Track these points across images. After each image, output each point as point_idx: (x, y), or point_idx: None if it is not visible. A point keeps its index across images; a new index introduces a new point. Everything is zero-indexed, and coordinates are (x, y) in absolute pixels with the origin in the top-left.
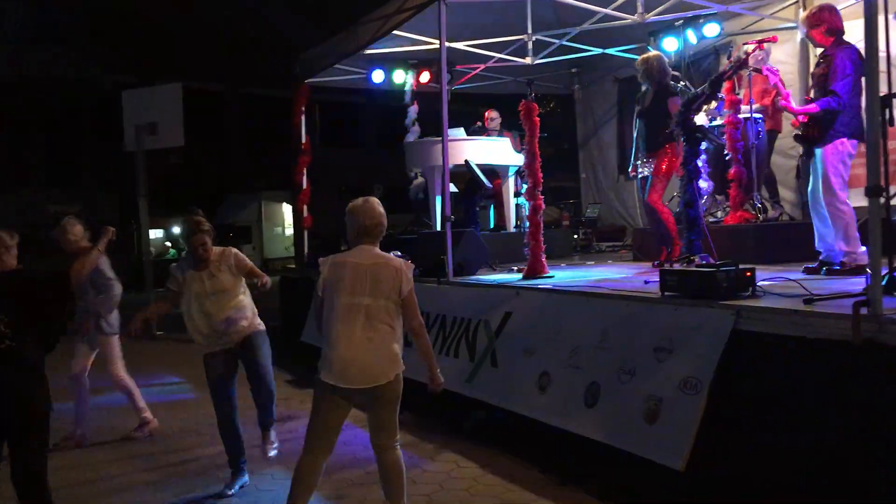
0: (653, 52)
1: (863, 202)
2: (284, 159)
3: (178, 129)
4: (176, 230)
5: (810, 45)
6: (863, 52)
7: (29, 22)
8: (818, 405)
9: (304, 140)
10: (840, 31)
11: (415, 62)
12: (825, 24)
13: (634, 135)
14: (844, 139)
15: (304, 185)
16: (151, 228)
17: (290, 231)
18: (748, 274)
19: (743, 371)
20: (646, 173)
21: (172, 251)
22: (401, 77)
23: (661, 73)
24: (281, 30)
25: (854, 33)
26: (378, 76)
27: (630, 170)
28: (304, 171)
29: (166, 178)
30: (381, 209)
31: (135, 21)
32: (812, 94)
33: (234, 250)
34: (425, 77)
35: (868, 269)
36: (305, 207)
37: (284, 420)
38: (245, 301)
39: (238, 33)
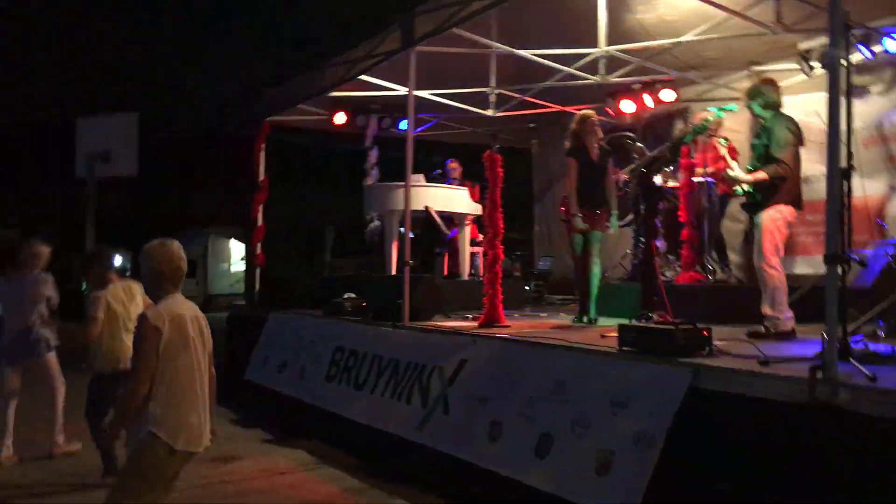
0: (591, 112)
1: (808, 270)
2: (233, 195)
3: (133, 159)
4: (118, 259)
5: None
6: (802, 124)
7: None
8: (772, 465)
9: (261, 178)
10: (777, 105)
11: (377, 106)
12: (762, 97)
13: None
14: (783, 206)
15: (259, 223)
16: None
17: (235, 267)
18: (705, 333)
19: (698, 428)
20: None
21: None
22: (362, 121)
23: (596, 133)
24: (239, 67)
25: (797, 108)
26: (339, 118)
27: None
28: (260, 209)
29: (111, 210)
30: (181, 252)
31: (90, 51)
32: (752, 164)
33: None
34: (341, 118)
35: (824, 335)
36: (259, 245)
37: (228, 460)
38: None
39: (195, 69)
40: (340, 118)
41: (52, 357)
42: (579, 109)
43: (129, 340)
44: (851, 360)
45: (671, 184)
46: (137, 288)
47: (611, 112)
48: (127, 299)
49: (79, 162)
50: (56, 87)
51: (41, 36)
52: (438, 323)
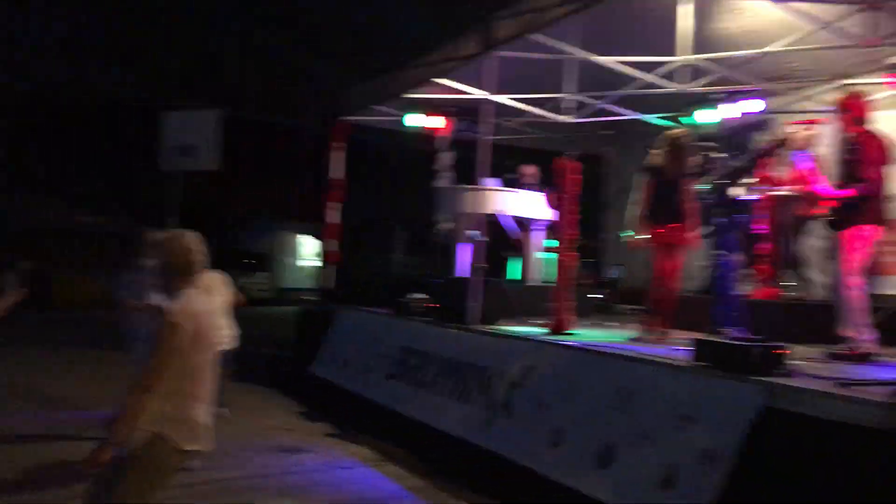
0: (682, 133)
1: (894, 290)
2: (306, 192)
3: (215, 154)
4: None
5: None
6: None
7: (73, 36)
8: (846, 490)
9: (336, 176)
10: (866, 121)
11: (453, 109)
12: (852, 112)
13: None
14: (868, 225)
15: (334, 220)
16: None
17: (306, 262)
18: (782, 351)
19: (769, 448)
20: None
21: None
22: (436, 123)
23: (689, 153)
24: (319, 66)
25: (887, 124)
26: (414, 120)
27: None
28: (334, 206)
29: (188, 202)
30: (195, 244)
31: (175, 43)
32: (840, 180)
33: None
34: (415, 120)
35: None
36: (333, 242)
37: (292, 452)
38: None
39: (275, 66)
40: (414, 120)
41: None
42: (663, 118)
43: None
44: None
45: (752, 197)
46: (220, 278)
47: (690, 122)
48: (211, 289)
49: (163, 156)
50: (145, 77)
51: (138, 29)
52: (506, 327)
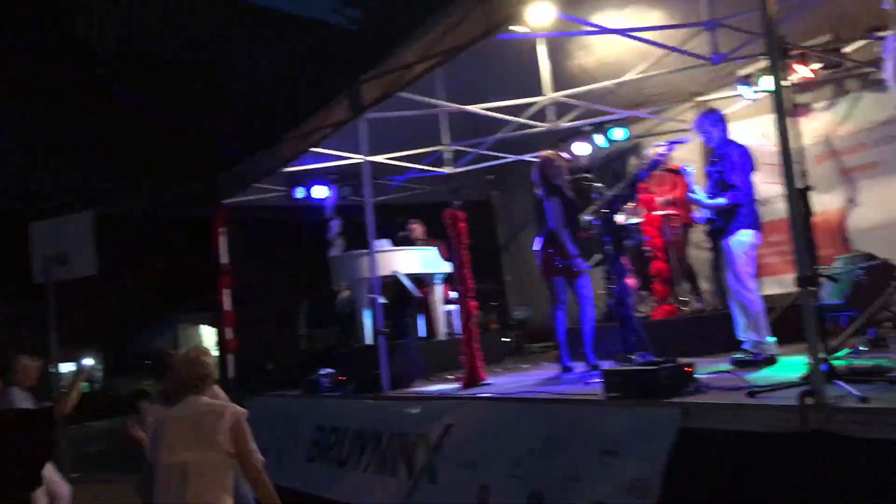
0: (551, 152)
1: (778, 289)
2: (199, 281)
3: (90, 259)
4: (88, 362)
5: None
6: (752, 147)
7: None
8: (773, 497)
9: (224, 261)
10: (725, 132)
11: (334, 177)
12: (723, 122)
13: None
14: (747, 230)
15: (228, 307)
16: (63, 362)
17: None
18: (688, 369)
19: (694, 469)
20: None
21: (86, 384)
22: (321, 192)
23: (564, 171)
24: (194, 150)
25: (744, 132)
26: (298, 192)
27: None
28: (226, 293)
29: (76, 308)
30: (203, 358)
31: (40, 149)
32: (710, 191)
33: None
34: (300, 192)
35: (809, 358)
36: (230, 330)
37: None
38: None
39: (148, 156)
40: (299, 192)
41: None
42: (537, 156)
43: None
44: (838, 381)
45: (634, 220)
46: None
47: (565, 156)
48: None
49: (35, 268)
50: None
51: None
52: (421, 388)
